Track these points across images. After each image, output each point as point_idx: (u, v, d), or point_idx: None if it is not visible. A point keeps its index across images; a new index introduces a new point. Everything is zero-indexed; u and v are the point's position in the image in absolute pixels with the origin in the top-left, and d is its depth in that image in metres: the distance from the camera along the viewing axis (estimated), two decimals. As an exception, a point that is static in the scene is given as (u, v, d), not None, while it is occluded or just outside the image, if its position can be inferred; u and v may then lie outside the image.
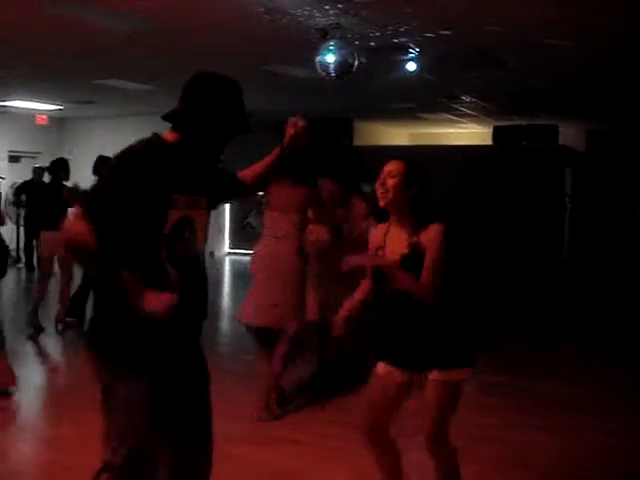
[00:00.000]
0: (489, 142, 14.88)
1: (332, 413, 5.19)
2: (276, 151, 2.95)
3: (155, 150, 2.48)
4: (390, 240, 3.32)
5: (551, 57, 8.66)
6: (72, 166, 8.48)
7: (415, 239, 3.21)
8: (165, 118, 2.56)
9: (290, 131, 2.90)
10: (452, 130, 17.67)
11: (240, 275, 13.24)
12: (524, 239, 13.44)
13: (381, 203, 3.30)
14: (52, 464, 4.25)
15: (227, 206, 15.88)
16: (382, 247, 3.33)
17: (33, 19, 7.30)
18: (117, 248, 2.34)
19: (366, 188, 15.23)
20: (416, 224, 3.24)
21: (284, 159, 2.97)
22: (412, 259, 3.20)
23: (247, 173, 2.96)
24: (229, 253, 16.22)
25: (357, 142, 16.23)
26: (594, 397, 5.86)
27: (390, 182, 3.26)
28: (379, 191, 3.29)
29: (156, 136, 2.55)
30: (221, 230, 15.90)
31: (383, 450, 3.31)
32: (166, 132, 2.58)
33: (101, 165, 7.60)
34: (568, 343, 8.03)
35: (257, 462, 3.66)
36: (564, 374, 6.69)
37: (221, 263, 15.39)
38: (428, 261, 3.17)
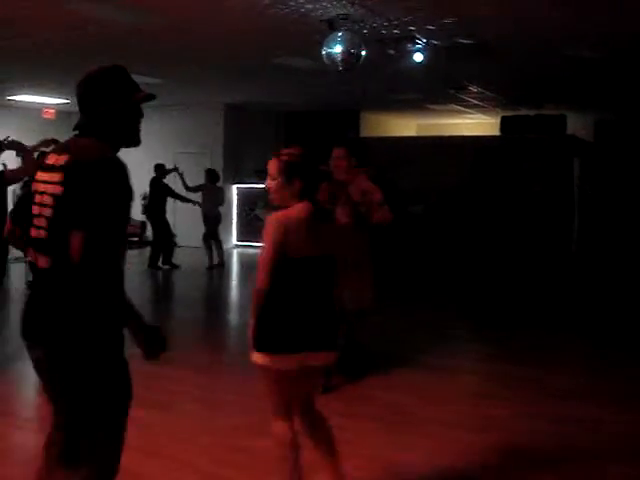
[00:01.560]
0: (497, 133, 14.83)
1: (346, 405, 5.17)
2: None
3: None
4: None
5: (558, 46, 8.63)
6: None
7: None
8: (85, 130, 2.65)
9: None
10: (460, 121, 17.63)
11: (247, 267, 13.25)
12: (532, 230, 13.41)
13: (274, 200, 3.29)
14: None
15: (234, 198, 15.87)
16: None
17: (43, 13, 7.31)
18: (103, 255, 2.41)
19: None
20: None
21: None
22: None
23: None
24: (237, 245, 16.22)
25: (364, 134, 16.20)
26: (602, 387, 5.85)
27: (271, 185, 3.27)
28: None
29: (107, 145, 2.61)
30: (229, 222, 15.90)
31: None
32: (89, 141, 2.59)
33: None
34: (576, 334, 8.02)
35: (267, 454, 3.66)
36: (572, 364, 6.68)
37: (229, 255, 15.41)
38: None
